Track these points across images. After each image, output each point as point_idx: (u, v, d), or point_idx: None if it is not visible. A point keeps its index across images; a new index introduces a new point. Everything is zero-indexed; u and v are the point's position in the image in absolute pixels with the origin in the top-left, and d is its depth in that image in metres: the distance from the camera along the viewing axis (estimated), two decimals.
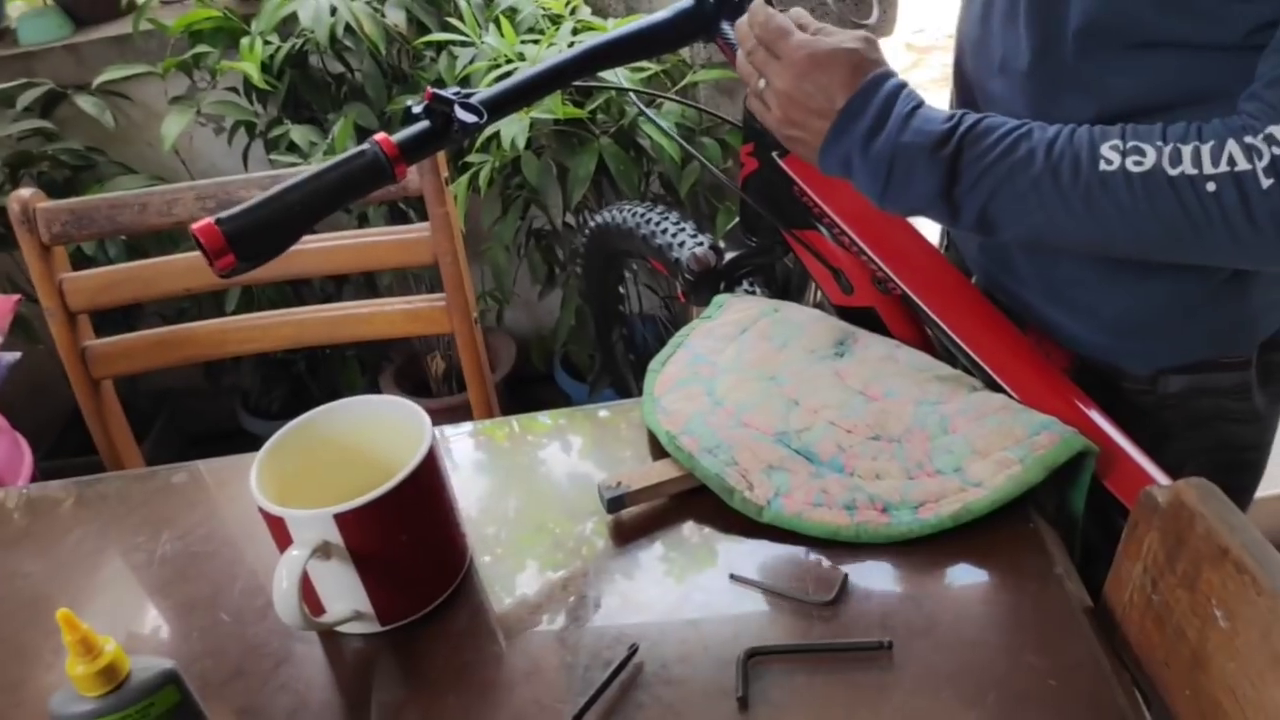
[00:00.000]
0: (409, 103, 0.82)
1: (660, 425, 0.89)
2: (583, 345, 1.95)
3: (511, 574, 0.80)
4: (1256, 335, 0.89)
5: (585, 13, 1.85)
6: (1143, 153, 0.70)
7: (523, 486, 0.90)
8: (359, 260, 1.35)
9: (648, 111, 1.24)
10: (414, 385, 2.22)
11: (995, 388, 0.88)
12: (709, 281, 1.17)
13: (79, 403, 1.38)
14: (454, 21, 1.81)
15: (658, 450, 0.89)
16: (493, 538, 0.84)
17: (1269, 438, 0.97)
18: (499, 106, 0.86)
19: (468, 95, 0.83)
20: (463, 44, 1.79)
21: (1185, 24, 0.72)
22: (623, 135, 1.76)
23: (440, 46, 1.84)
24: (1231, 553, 0.58)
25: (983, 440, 0.81)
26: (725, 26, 0.96)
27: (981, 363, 0.89)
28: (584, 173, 1.73)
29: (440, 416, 2.11)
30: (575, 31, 1.77)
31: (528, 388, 2.38)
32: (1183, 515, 0.62)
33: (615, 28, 1.71)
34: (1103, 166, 0.71)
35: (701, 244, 1.36)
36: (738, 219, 1.18)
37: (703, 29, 0.96)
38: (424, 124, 0.82)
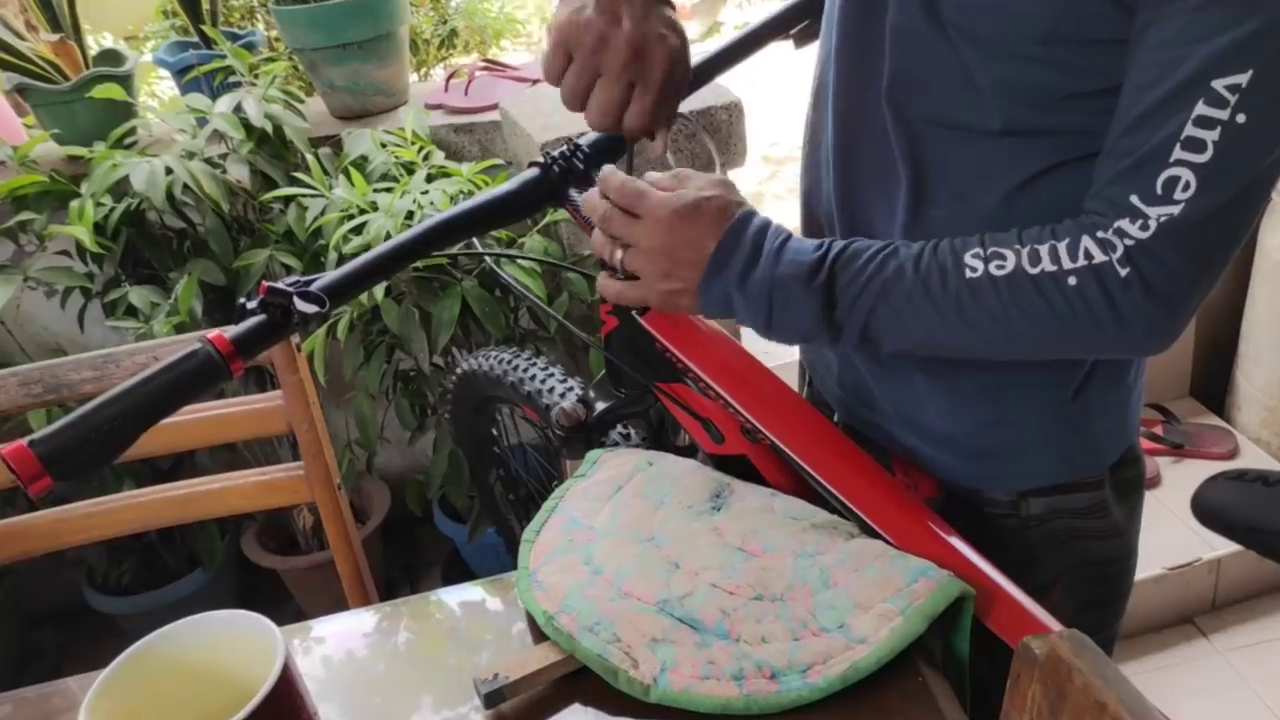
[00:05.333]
0: (241, 299, 0.78)
1: (537, 604, 0.85)
2: (460, 487, 1.89)
3: None
4: (1104, 458, 0.93)
5: (439, 158, 1.84)
6: (1004, 257, 0.74)
7: (393, 684, 0.84)
8: (208, 435, 1.28)
9: (506, 276, 1.22)
10: (281, 543, 2.11)
11: (869, 530, 0.88)
12: (580, 435, 1.14)
13: None
14: (301, 176, 1.77)
15: (538, 630, 0.85)
16: None
17: (1131, 548, 1.00)
18: (342, 292, 0.82)
19: (307, 284, 0.80)
20: (312, 196, 1.75)
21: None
22: (486, 276, 1.74)
23: (289, 199, 1.79)
24: (1109, 708, 0.57)
25: (863, 592, 0.80)
26: (573, 193, 0.96)
27: (853, 507, 0.89)
28: (448, 317, 1.69)
29: (310, 574, 2.04)
30: (430, 178, 1.75)
31: (405, 530, 2.30)
32: (1060, 668, 0.61)
33: (470, 174, 1.74)
34: (968, 274, 0.75)
35: (571, 388, 1.34)
36: (604, 372, 1.16)
37: (550, 196, 0.95)
38: (260, 318, 0.77)
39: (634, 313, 1.01)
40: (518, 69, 2.08)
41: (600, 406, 1.14)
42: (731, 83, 1.63)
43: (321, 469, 1.27)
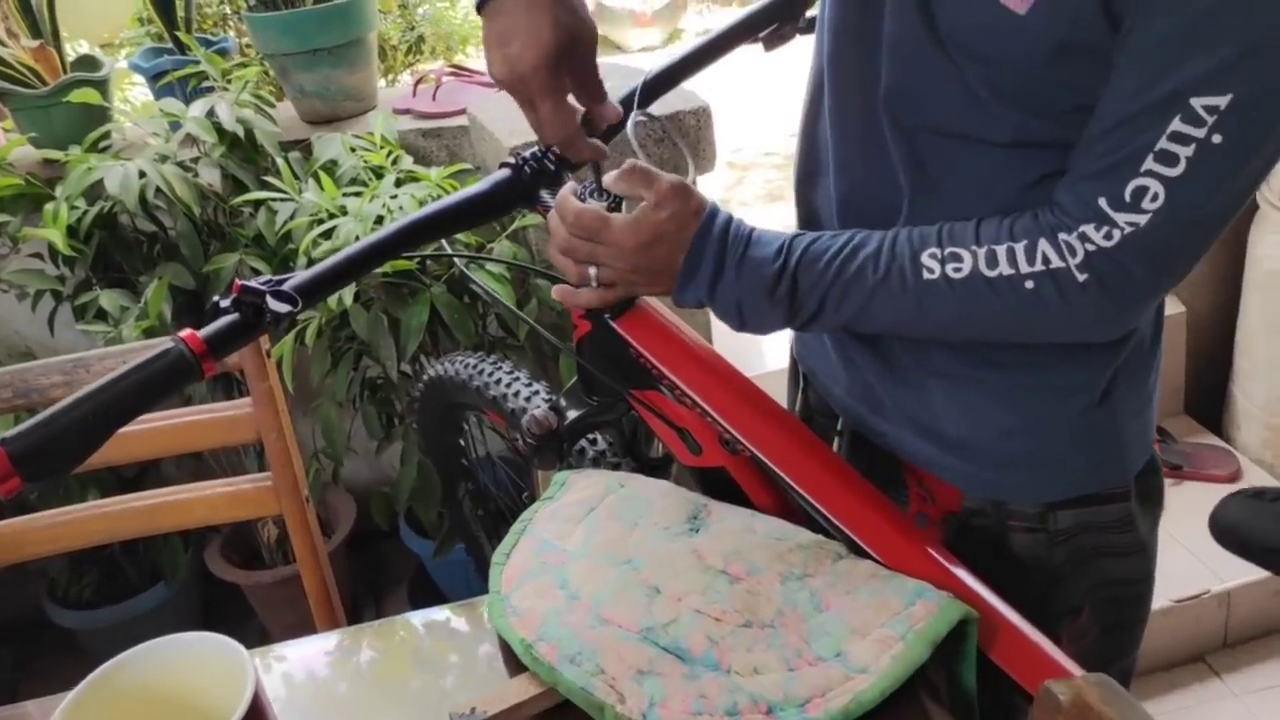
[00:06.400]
0: (215, 298, 0.77)
1: (513, 631, 0.82)
2: (428, 501, 1.85)
3: None
4: (1130, 466, 0.91)
5: (408, 163, 1.82)
6: (959, 258, 0.75)
7: (360, 711, 0.81)
8: (176, 442, 1.25)
9: (476, 280, 1.20)
10: (245, 556, 2.07)
11: (857, 549, 0.85)
12: (553, 444, 1.12)
13: None
14: (271, 180, 1.74)
15: (512, 658, 0.82)
16: None
17: (1152, 567, 0.97)
18: (314, 291, 0.81)
19: (280, 283, 0.78)
20: (282, 200, 1.72)
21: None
22: (455, 283, 1.72)
23: (259, 203, 1.77)
24: None
25: (859, 617, 0.77)
26: (545, 195, 0.95)
27: (839, 523, 0.87)
28: (416, 323, 1.66)
29: (275, 589, 2.00)
30: (399, 183, 1.73)
31: (371, 545, 2.25)
32: (1089, 716, 0.59)
33: (439, 178, 1.72)
34: (925, 276, 0.76)
35: (536, 391, 1.32)
36: (576, 378, 1.14)
37: (522, 197, 0.94)
38: (233, 316, 0.76)
39: (607, 317, 0.99)
40: (485, 74, 2.06)
41: (572, 414, 1.12)
42: (698, 87, 1.62)
43: (290, 480, 1.24)
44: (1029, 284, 0.73)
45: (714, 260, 0.81)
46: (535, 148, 0.93)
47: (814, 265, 0.80)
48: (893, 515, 0.86)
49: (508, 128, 1.66)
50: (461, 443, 1.67)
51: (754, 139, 4.55)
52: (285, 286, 0.78)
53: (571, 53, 0.80)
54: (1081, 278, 0.72)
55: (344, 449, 1.82)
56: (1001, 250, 0.74)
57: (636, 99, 0.98)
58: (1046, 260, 0.72)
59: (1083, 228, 0.71)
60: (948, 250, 0.76)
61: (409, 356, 1.72)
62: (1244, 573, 1.85)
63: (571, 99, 0.85)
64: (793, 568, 0.83)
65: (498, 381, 1.34)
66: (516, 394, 1.31)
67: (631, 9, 5.82)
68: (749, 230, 0.83)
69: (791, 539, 0.86)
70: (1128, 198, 0.69)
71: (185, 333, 0.73)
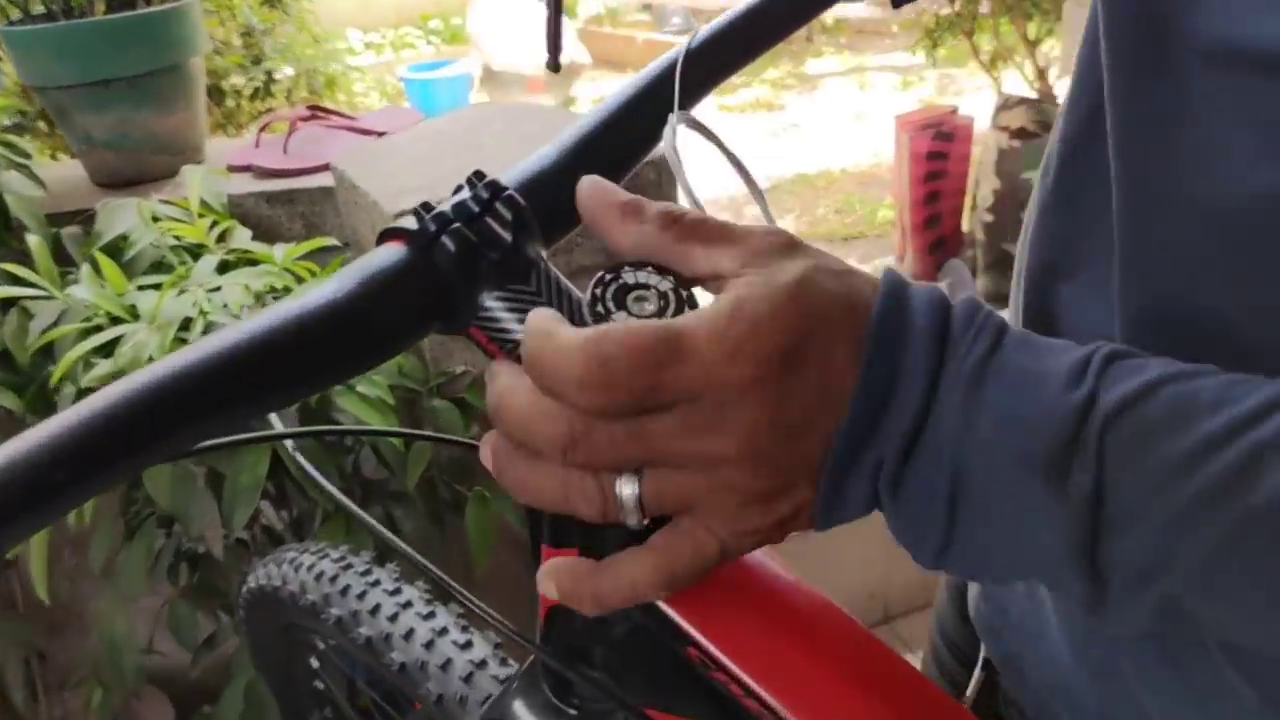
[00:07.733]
0: None
1: None
2: None
3: None
4: None
5: (244, 238, 1.27)
6: None
7: None
8: None
9: (305, 465, 0.66)
10: None
11: None
12: None
13: None
14: (17, 269, 1.17)
15: None
16: None
17: None
18: None
19: None
20: (41, 298, 1.16)
21: None
22: (308, 415, 1.17)
23: (6, 303, 1.20)
24: None
25: None
26: (489, 301, 0.42)
27: None
28: (249, 482, 1.11)
29: None
30: (225, 267, 1.19)
31: None
32: None
33: (287, 260, 1.18)
34: None
35: (445, 630, 0.78)
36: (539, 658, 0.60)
37: (439, 310, 0.42)
38: None
39: None
40: (356, 119, 1.55)
41: None
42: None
43: None
44: None
45: (927, 363, 0.34)
46: (468, 189, 0.42)
47: (1163, 434, 0.31)
48: None
49: (390, 186, 1.18)
50: (314, 663, 1.11)
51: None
52: None
53: None
54: None
55: (136, 675, 1.24)
56: None
57: (676, 89, 0.48)
58: None
59: None
60: None
61: (241, 525, 1.16)
62: None
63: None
64: None
65: (374, 611, 0.80)
66: (409, 635, 0.77)
67: (521, 73, 5.38)
68: (996, 320, 0.35)
69: None
70: None
71: None
